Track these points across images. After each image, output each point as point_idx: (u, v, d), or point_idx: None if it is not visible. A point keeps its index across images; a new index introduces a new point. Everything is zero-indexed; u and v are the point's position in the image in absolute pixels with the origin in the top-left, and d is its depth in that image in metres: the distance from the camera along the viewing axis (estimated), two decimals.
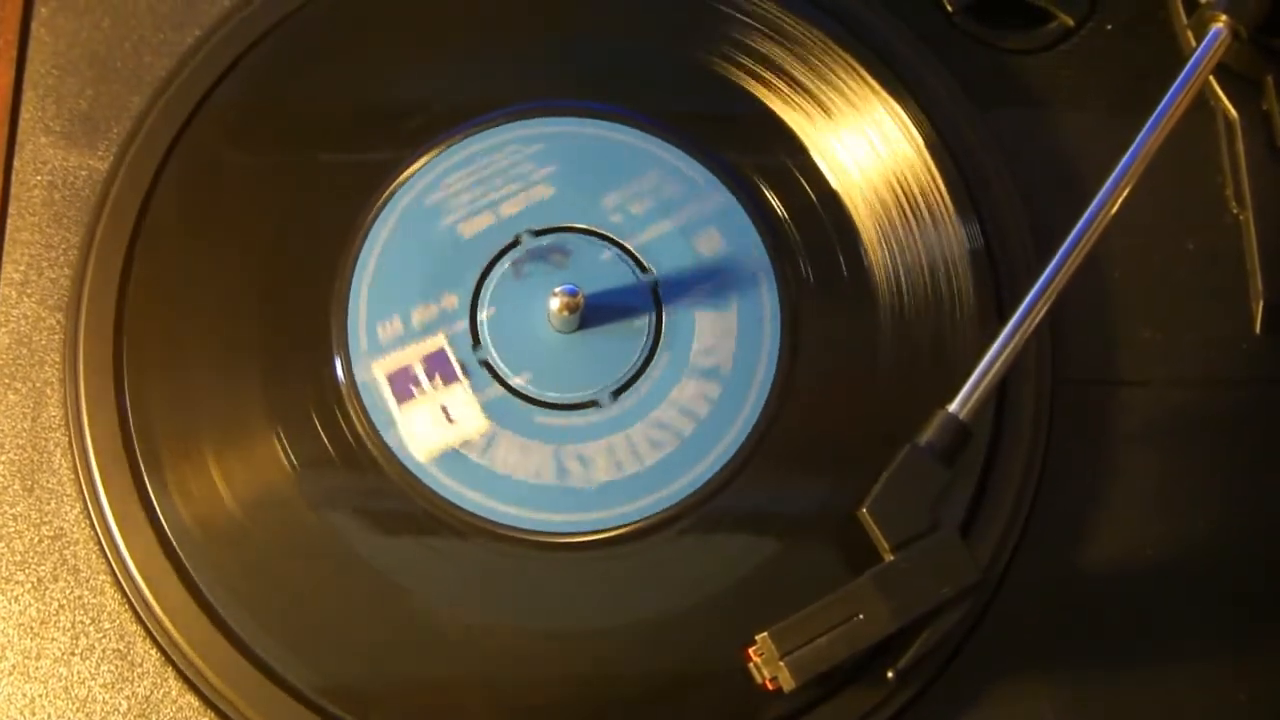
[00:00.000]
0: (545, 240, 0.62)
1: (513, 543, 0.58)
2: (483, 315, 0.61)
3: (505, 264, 0.61)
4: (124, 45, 0.65)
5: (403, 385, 0.60)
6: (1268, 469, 0.61)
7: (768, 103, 0.65)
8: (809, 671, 0.53)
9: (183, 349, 0.60)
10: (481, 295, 0.61)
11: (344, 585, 0.57)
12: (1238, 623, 0.59)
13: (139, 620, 0.57)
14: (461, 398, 0.60)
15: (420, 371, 0.60)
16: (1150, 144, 0.59)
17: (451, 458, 0.59)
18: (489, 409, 0.60)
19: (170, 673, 0.57)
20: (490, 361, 0.60)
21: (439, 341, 0.60)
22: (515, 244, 0.62)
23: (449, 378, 0.60)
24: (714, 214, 0.63)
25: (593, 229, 0.62)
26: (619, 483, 0.59)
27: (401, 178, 0.62)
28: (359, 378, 0.60)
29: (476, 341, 0.61)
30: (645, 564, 0.58)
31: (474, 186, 0.62)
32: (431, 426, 0.59)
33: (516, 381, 0.60)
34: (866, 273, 0.62)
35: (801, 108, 0.64)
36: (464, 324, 0.61)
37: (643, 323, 0.61)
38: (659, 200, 0.63)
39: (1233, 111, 0.65)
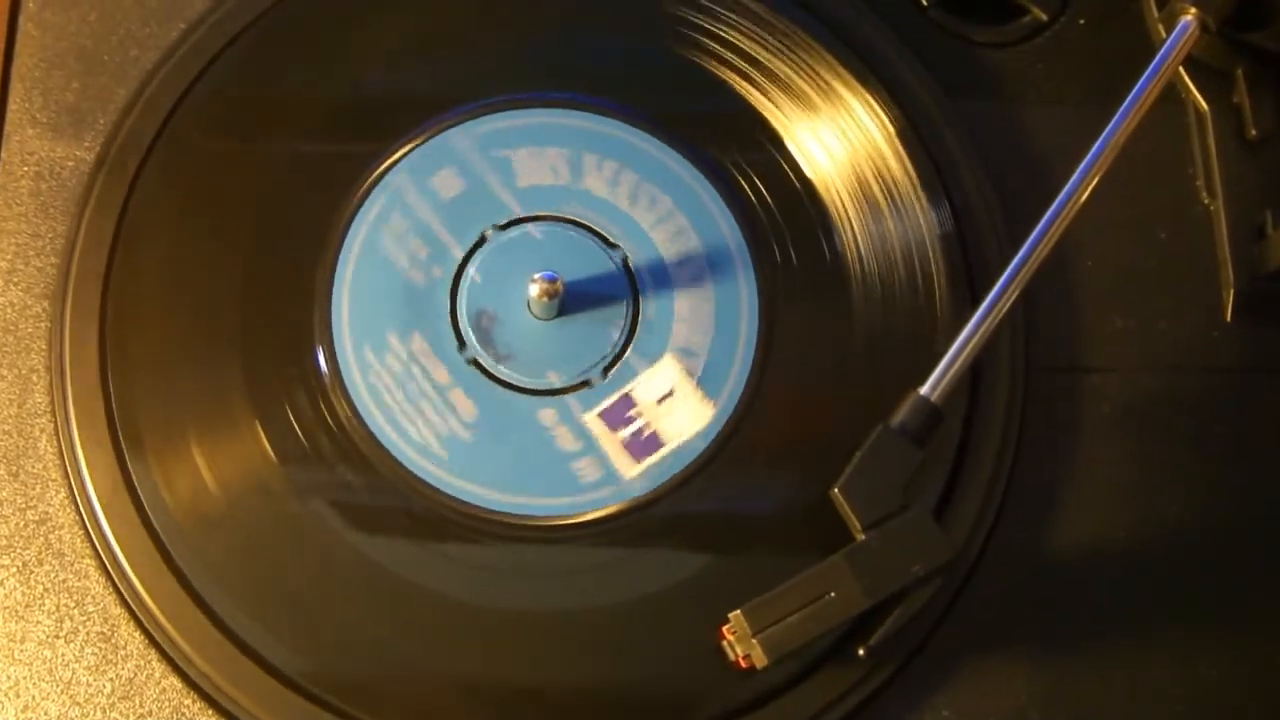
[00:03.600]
0: (466, 322, 0.62)
1: (488, 524, 0.59)
2: (578, 387, 0.61)
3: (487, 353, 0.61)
4: (110, 39, 0.65)
5: (618, 416, 0.60)
6: (1236, 455, 0.62)
7: (741, 92, 0.65)
8: (781, 649, 0.54)
9: (167, 337, 0.61)
10: (549, 376, 0.61)
11: (326, 569, 0.58)
12: (1207, 603, 0.60)
13: (123, 604, 0.58)
14: (658, 383, 0.61)
15: (620, 421, 0.60)
16: (1120, 133, 0.59)
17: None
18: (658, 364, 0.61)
19: (154, 655, 0.58)
20: (619, 359, 0.61)
21: (590, 417, 0.61)
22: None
23: (627, 411, 0.61)
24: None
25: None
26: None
27: (381, 168, 0.63)
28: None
29: (587, 384, 0.61)
30: (619, 548, 0.59)
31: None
32: (685, 406, 0.60)
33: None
34: (841, 258, 0.63)
35: (774, 97, 0.65)
36: (572, 400, 0.61)
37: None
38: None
39: (1203, 104, 0.66)
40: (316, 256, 0.62)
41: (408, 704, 0.57)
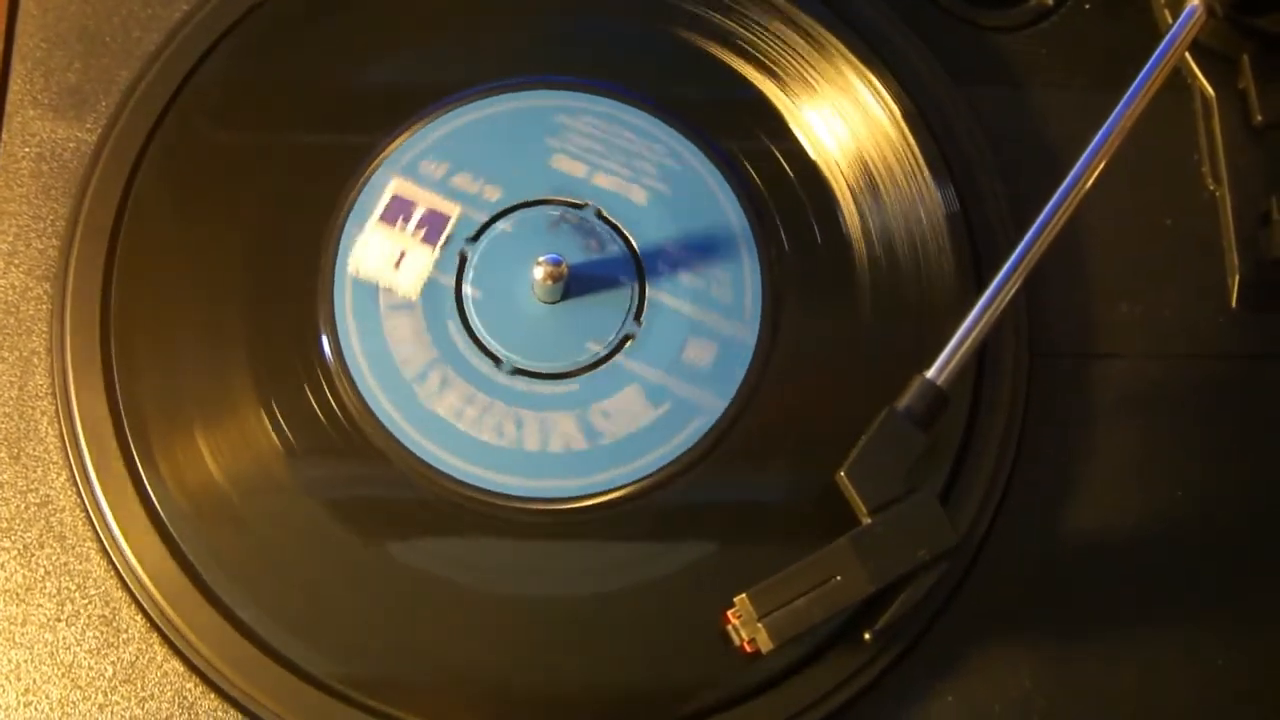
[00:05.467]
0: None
1: (492, 508, 0.59)
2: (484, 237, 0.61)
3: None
4: (113, 19, 0.65)
5: (396, 211, 0.61)
6: (1242, 441, 0.62)
7: (747, 76, 0.65)
8: (786, 633, 0.53)
9: (169, 319, 0.60)
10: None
11: (328, 553, 0.58)
12: (1213, 590, 0.60)
13: (124, 586, 0.58)
14: (421, 261, 0.61)
15: (417, 213, 0.61)
16: (1126, 118, 0.59)
17: (368, 294, 0.61)
18: (428, 291, 0.61)
19: (155, 638, 0.57)
20: (467, 258, 0.61)
21: (452, 208, 0.61)
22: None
23: (431, 239, 0.61)
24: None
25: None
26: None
27: (384, 154, 0.63)
28: (378, 180, 0.61)
29: (475, 238, 0.61)
30: (626, 533, 0.59)
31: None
32: (379, 257, 0.61)
33: (469, 292, 0.61)
34: (846, 242, 0.63)
35: (780, 81, 0.65)
36: (481, 217, 0.62)
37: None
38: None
39: (1209, 89, 0.66)
40: (320, 240, 0.62)
41: (410, 689, 0.57)
